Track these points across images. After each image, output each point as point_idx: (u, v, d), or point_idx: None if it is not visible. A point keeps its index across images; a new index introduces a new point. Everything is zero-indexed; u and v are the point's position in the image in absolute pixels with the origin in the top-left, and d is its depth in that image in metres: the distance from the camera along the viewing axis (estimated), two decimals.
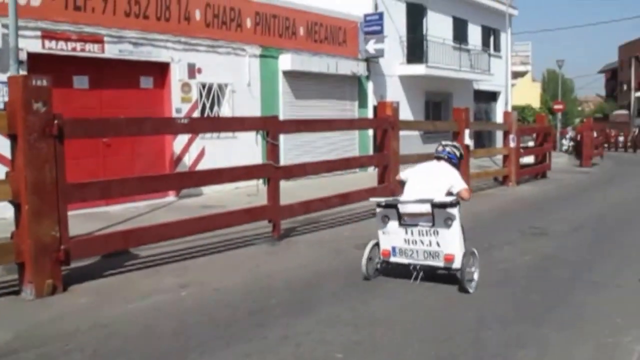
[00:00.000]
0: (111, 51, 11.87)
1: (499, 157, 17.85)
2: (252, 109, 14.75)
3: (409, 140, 16.89)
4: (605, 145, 40.02)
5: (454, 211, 6.09)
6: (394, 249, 6.43)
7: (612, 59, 75.26)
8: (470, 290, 6.00)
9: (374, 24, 18.57)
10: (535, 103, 42.60)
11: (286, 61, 15.86)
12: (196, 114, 13.58)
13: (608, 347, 4.66)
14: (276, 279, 6.57)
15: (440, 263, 6.17)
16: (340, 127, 13.15)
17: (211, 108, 14.15)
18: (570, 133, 36.75)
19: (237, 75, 14.66)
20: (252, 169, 8.66)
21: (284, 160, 14.84)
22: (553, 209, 12.18)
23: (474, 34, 26.17)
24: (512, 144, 16.31)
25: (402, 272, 6.42)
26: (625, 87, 66.44)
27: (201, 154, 13.59)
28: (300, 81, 16.48)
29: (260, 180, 9.26)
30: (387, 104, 11.09)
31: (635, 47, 64.37)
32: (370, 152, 17.36)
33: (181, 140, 13.10)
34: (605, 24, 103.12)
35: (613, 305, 5.67)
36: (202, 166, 13.05)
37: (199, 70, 13.68)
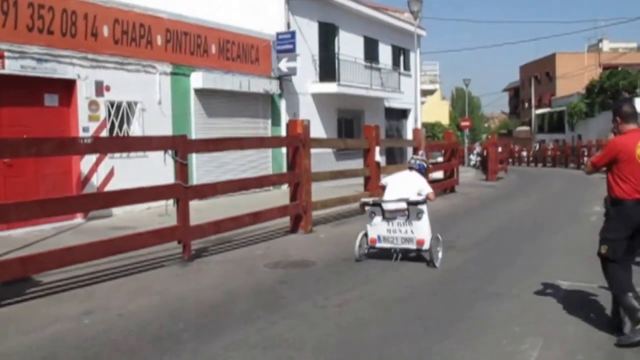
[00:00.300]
0: (12, 67, 11.37)
1: None
2: (163, 127, 14.50)
3: (322, 158, 17.14)
4: (510, 159, 41.88)
5: (423, 207, 8.31)
6: (379, 237, 8.47)
7: (514, 78, 79.05)
8: (437, 265, 8.04)
9: (286, 43, 18.71)
10: (445, 120, 44.08)
11: (198, 79, 15.72)
12: (105, 133, 13.21)
13: (508, 355, 4.86)
14: (185, 301, 6.46)
15: (413, 246, 8.26)
16: (251, 145, 13.11)
17: (120, 127, 13.81)
18: (477, 148, 38.21)
19: (147, 93, 14.39)
20: (161, 189, 8.48)
21: (197, 179, 14.73)
22: (460, 222, 12.59)
23: (385, 53, 26.82)
24: None
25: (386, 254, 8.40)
26: (526, 104, 69.91)
27: (110, 174, 13.22)
28: (212, 99, 16.36)
29: (170, 201, 9.09)
30: (297, 121, 11.17)
31: (534, 68, 67.96)
32: (284, 169, 17.40)
33: (89, 159, 12.69)
34: (509, 45, 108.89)
35: (512, 315, 5.92)
36: (111, 186, 12.70)
37: (107, 88, 13.33)
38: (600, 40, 62.52)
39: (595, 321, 5.70)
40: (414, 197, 8.35)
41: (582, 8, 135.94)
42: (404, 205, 8.26)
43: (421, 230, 8.21)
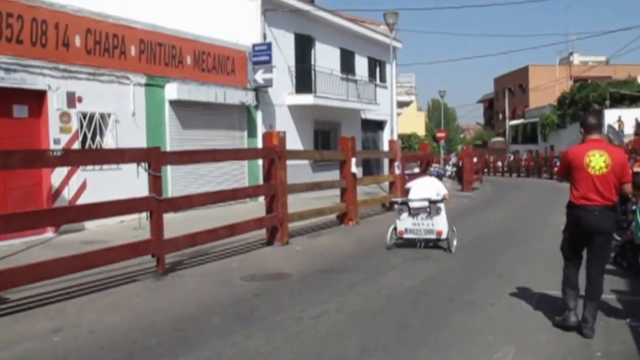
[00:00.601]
0: None
1: (387, 184, 18.29)
2: (137, 139, 14.32)
3: (299, 169, 17.08)
4: (485, 170, 42.24)
5: (441, 205, 10.30)
6: (406, 229, 10.42)
7: (489, 90, 79.94)
8: (452, 251, 9.92)
9: (263, 54, 18.68)
10: (421, 131, 44.36)
11: (172, 90, 15.58)
12: (77, 145, 13.01)
13: None
14: (158, 316, 6.34)
15: (434, 236, 10.24)
16: (225, 157, 13.00)
17: (93, 139, 13.62)
18: (453, 159, 38.47)
19: (121, 105, 14.22)
20: (134, 202, 8.34)
21: (172, 192, 14.56)
22: None
23: (361, 65, 26.93)
24: (397, 171, 16.81)
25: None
26: (500, 116, 70.67)
27: (83, 187, 13.01)
28: (187, 111, 16.23)
29: (143, 214, 8.95)
30: (273, 133, 11.11)
31: (508, 80, 68.79)
32: (261, 181, 17.31)
33: (60, 172, 12.46)
34: (484, 57, 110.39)
35: (486, 324, 5.93)
36: (84, 199, 12.48)
37: (80, 99, 13.13)
38: (571, 54, 63.54)
39: (567, 328, 5.73)
40: (434, 197, 10.38)
41: (554, 22, 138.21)
42: (426, 203, 10.31)
43: (440, 223, 10.20)
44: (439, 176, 11.85)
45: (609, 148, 5.77)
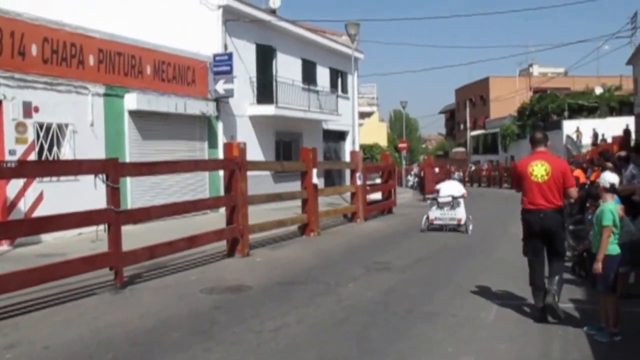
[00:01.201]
0: None
1: (349, 195, 18.36)
2: (96, 150, 14.09)
3: (260, 180, 17.01)
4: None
5: (461, 200, 14.59)
6: (435, 217, 14.63)
7: (450, 101, 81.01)
8: (469, 233, 13.97)
9: (224, 64, 18.59)
10: (383, 141, 44.55)
11: (132, 100, 15.39)
12: (33, 155, 12.74)
13: None
14: (116, 330, 6.24)
15: (455, 222, 14.41)
16: (185, 169, 12.86)
17: (50, 149, 13.36)
18: (415, 169, 38.82)
19: (79, 115, 13.99)
20: (92, 214, 8.20)
21: (132, 203, 14.37)
22: (397, 243, 12.70)
23: (323, 75, 27.01)
24: (358, 182, 16.90)
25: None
26: (462, 126, 71.71)
27: (39, 199, 12.74)
28: (147, 121, 16.05)
29: (101, 226, 8.81)
30: (234, 144, 11.07)
31: (469, 91, 69.89)
32: (222, 193, 17.20)
33: (16, 184, 12.19)
34: (445, 68, 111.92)
35: (446, 335, 5.99)
36: (41, 211, 12.20)
37: (36, 109, 12.89)
38: (531, 65, 64.89)
39: (525, 338, 5.84)
40: (456, 194, 14.65)
41: (514, 34, 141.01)
42: (450, 199, 14.54)
43: (460, 213, 14.50)
44: (460, 180, 18.38)
45: (550, 158, 6.55)
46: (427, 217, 14.68)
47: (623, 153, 9.76)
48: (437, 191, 15.15)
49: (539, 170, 6.37)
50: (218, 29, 19.37)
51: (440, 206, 14.52)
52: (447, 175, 23.37)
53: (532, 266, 6.49)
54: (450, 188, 15.01)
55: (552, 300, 6.21)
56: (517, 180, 6.62)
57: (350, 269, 9.53)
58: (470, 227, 14.21)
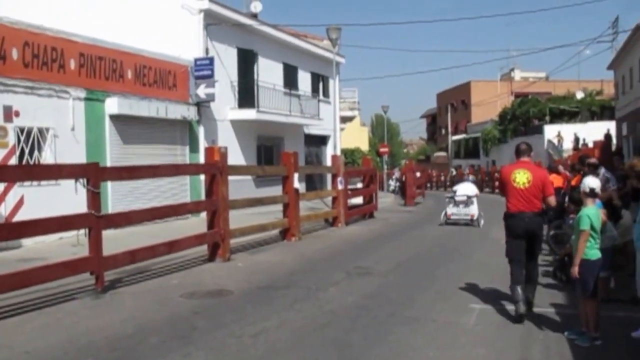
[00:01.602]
0: None
1: (330, 199, 18.42)
2: (77, 154, 14.01)
3: (241, 184, 17.05)
4: (428, 184, 42.96)
5: (474, 199, 17.08)
6: (452, 213, 17.14)
7: (432, 105, 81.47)
8: (480, 227, 16.17)
9: (205, 69, 18.60)
10: (364, 146, 44.72)
11: (113, 105, 15.35)
12: (14, 160, 12.66)
13: None
14: (96, 335, 6.23)
15: (469, 217, 16.75)
16: (166, 173, 12.84)
17: (31, 154, 13.29)
18: (396, 174, 38.98)
19: (60, 119, 13.92)
20: (72, 218, 8.19)
21: (113, 208, 14.32)
22: (378, 248, 12.76)
23: (304, 80, 27.09)
24: (340, 186, 16.96)
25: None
26: (443, 131, 72.09)
27: (20, 203, 12.65)
28: (128, 126, 16.01)
29: (82, 231, 8.78)
30: (215, 149, 11.09)
31: (450, 95, 70.33)
32: (203, 197, 17.20)
33: None
34: (427, 73, 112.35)
35: (427, 339, 6.05)
36: (21, 216, 12.11)
37: (17, 113, 12.81)
38: (512, 70, 65.42)
39: (506, 343, 5.91)
40: (470, 194, 17.04)
41: (495, 38, 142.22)
42: (465, 198, 17.00)
43: (473, 210, 16.94)
44: (474, 182, 21.45)
45: (532, 167, 7.16)
46: (445, 213, 17.29)
47: (592, 160, 9.91)
48: (454, 191, 17.82)
49: (521, 178, 6.93)
50: (199, 33, 19.39)
51: (457, 204, 17.14)
52: (461, 178, 27.01)
53: (513, 265, 6.95)
54: (466, 189, 17.61)
55: (528, 309, 6.77)
56: (502, 187, 7.34)
57: (331, 274, 9.57)
58: (482, 222, 16.49)
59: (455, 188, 18.37)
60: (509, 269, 6.95)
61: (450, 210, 17.23)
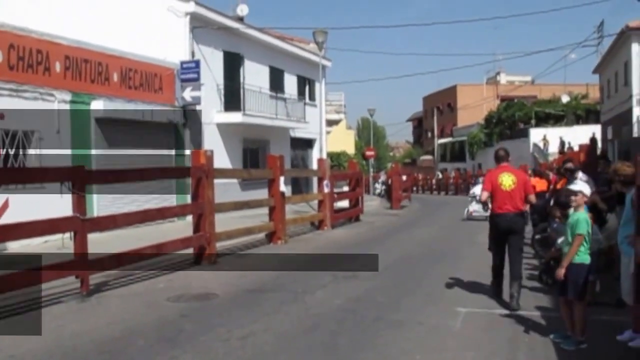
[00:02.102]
0: None
1: (316, 202, 18.45)
2: (62, 157, 13.92)
3: (228, 188, 17.00)
4: (414, 188, 43.10)
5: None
6: (474, 210, 19.82)
7: (418, 109, 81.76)
8: None
9: (191, 72, 18.56)
10: (350, 149, 44.81)
11: (98, 108, 15.29)
12: None
13: None
14: (82, 339, 6.20)
15: (487, 214, 12.39)
16: (152, 177, 12.78)
17: (16, 157, 13.20)
18: (382, 177, 39.08)
19: (45, 122, 13.83)
20: (57, 222, 8.14)
21: (98, 211, 14.23)
22: (364, 251, 12.76)
23: (290, 83, 27.11)
24: (326, 190, 17.00)
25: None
26: (429, 134, 72.46)
27: (4, 206, 12.51)
28: (114, 129, 15.93)
29: (67, 234, 8.75)
30: (201, 152, 11.08)
31: (436, 99, 70.69)
32: (189, 200, 17.14)
33: None
34: (413, 76, 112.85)
35: (414, 343, 6.07)
36: (6, 219, 11.98)
37: (2, 116, 12.68)
38: (498, 74, 65.91)
39: (492, 346, 5.95)
40: None
41: (481, 42, 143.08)
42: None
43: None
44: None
45: (514, 171, 7.96)
46: (468, 210, 20.06)
47: (569, 164, 10.03)
48: (474, 193, 19.84)
49: (507, 180, 7.64)
50: (185, 36, 19.34)
51: (478, 202, 18.45)
52: (476, 181, 28.28)
53: (495, 255, 7.88)
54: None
55: (515, 305, 7.28)
56: (487, 187, 7.86)
57: (318, 277, 9.57)
58: None
59: (473, 190, 21.14)
60: (492, 262, 7.88)
61: (473, 207, 19.81)
